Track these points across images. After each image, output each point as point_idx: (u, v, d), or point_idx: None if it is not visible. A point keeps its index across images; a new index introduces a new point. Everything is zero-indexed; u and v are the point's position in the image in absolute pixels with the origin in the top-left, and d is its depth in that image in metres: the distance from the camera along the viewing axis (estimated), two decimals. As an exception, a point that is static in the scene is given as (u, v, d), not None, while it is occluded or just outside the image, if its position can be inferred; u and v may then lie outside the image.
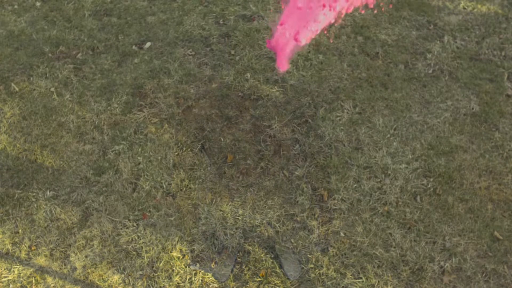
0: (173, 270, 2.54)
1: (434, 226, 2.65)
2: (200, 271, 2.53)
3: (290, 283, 2.48)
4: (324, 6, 1.65)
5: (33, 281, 2.51)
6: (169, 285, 2.49)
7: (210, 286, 2.49)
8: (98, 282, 2.50)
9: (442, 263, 2.52)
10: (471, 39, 3.75)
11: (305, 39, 1.76)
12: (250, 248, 2.61)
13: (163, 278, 2.51)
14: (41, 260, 2.58)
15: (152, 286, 2.49)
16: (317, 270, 2.52)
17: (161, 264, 2.56)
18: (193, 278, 2.51)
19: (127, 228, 2.69)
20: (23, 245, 2.64)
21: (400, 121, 3.16)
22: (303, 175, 2.89)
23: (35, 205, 2.79)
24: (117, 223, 2.71)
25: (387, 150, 2.99)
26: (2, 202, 2.81)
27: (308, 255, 2.57)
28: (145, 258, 2.58)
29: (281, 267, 2.53)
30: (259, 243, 2.63)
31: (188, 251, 2.60)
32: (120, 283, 2.50)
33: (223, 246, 2.61)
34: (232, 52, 3.66)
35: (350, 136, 3.08)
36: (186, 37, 3.80)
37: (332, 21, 1.71)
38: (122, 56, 3.66)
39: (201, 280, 2.50)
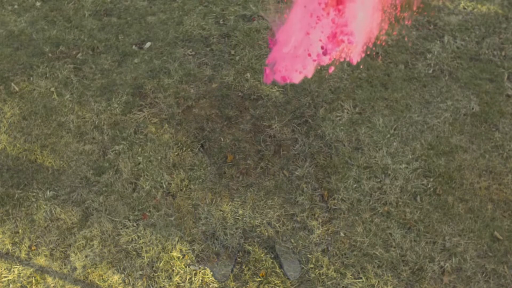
0: (173, 270, 2.54)
1: (434, 226, 2.65)
2: (200, 271, 2.53)
3: (290, 283, 2.48)
4: (309, 55, 1.69)
5: (33, 281, 2.51)
6: (169, 285, 2.49)
7: (210, 286, 2.49)
8: (98, 282, 2.50)
9: (442, 263, 2.52)
10: (471, 39, 3.75)
11: (295, 79, 1.82)
12: (250, 248, 2.61)
13: (163, 278, 2.51)
14: (41, 260, 2.58)
15: (152, 286, 2.49)
16: (317, 270, 2.53)
17: (161, 264, 2.56)
18: (193, 278, 2.51)
19: (127, 228, 2.69)
20: (23, 245, 2.65)
21: (400, 121, 3.16)
22: (303, 175, 2.89)
23: (35, 205, 2.79)
24: (117, 223, 2.71)
25: (387, 150, 2.99)
26: (2, 202, 2.82)
27: (308, 255, 2.57)
28: (145, 258, 2.58)
29: (281, 267, 2.53)
30: (259, 243, 2.63)
31: (189, 251, 2.60)
32: (120, 283, 2.50)
33: (223, 246, 2.62)
34: (232, 52, 3.66)
35: (350, 136, 3.08)
36: (186, 37, 3.80)
37: (323, 64, 1.76)
38: (122, 56, 3.66)
39: (201, 280, 2.50)
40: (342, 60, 1.74)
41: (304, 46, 1.71)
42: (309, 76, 1.80)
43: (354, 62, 1.73)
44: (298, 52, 1.73)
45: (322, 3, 1.58)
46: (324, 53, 1.67)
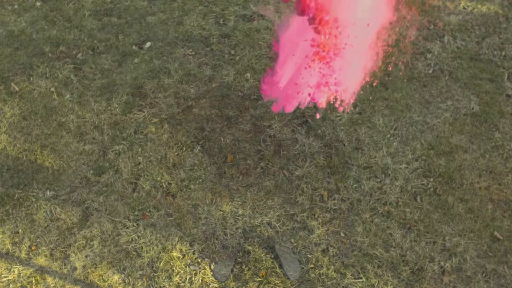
0: (173, 270, 2.54)
1: (434, 226, 2.65)
2: (200, 271, 2.53)
3: (290, 283, 2.48)
4: (299, 92, 1.74)
5: (33, 281, 2.51)
6: (169, 285, 2.49)
7: (210, 286, 2.49)
8: (98, 282, 2.50)
9: (442, 263, 2.52)
10: (471, 39, 3.75)
11: (291, 109, 1.87)
12: (250, 248, 2.61)
13: (163, 278, 2.51)
14: (41, 260, 2.58)
15: (152, 286, 2.49)
16: (317, 270, 2.52)
17: (161, 264, 2.56)
18: (193, 278, 2.51)
19: (127, 228, 2.69)
20: (23, 245, 2.65)
21: (400, 121, 3.16)
22: (303, 175, 2.88)
23: (35, 205, 2.79)
24: (117, 223, 2.71)
25: (387, 150, 2.99)
26: (2, 202, 2.82)
27: (308, 255, 2.57)
28: (145, 258, 2.58)
29: (281, 267, 2.53)
30: (259, 243, 2.63)
31: (189, 251, 2.60)
32: (120, 283, 2.50)
33: (223, 246, 2.62)
34: (232, 52, 3.66)
35: (350, 136, 3.08)
36: (186, 37, 3.80)
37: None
38: (122, 56, 3.66)
39: (201, 280, 2.50)
40: (332, 102, 1.78)
41: (295, 88, 1.77)
42: (303, 107, 1.86)
43: (347, 109, 1.79)
44: (288, 91, 1.78)
45: (309, 56, 1.63)
46: (312, 100, 1.74)
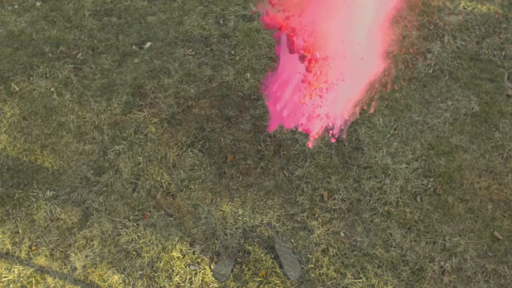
0: (173, 270, 2.54)
1: (434, 226, 2.65)
2: (200, 271, 2.53)
3: (290, 283, 2.48)
4: (294, 117, 1.75)
5: (33, 281, 2.51)
6: (169, 285, 2.49)
7: (210, 286, 2.49)
8: (98, 282, 2.50)
9: (442, 263, 2.52)
10: (471, 39, 3.75)
11: (289, 126, 1.89)
12: (250, 248, 2.61)
13: (163, 278, 2.51)
14: (41, 260, 2.58)
15: (152, 286, 2.49)
16: (317, 270, 2.52)
17: (161, 264, 2.56)
18: (193, 278, 2.51)
19: (127, 228, 2.69)
20: (23, 245, 2.65)
21: (400, 121, 3.16)
22: (303, 175, 2.88)
23: (35, 205, 2.79)
24: (117, 223, 2.71)
25: (387, 150, 2.99)
26: (2, 202, 2.82)
27: (308, 255, 2.57)
28: (145, 258, 2.58)
29: (281, 267, 2.53)
30: (259, 243, 2.63)
31: (189, 251, 2.60)
32: (120, 283, 2.50)
33: (223, 246, 2.61)
34: (232, 52, 3.66)
35: (350, 136, 3.08)
36: (186, 37, 3.80)
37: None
38: (122, 56, 3.66)
39: (201, 280, 2.50)
40: (327, 130, 1.79)
41: (289, 116, 1.79)
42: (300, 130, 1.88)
43: (333, 139, 1.80)
44: (283, 114, 1.80)
45: (301, 90, 1.63)
46: (304, 131, 1.75)
